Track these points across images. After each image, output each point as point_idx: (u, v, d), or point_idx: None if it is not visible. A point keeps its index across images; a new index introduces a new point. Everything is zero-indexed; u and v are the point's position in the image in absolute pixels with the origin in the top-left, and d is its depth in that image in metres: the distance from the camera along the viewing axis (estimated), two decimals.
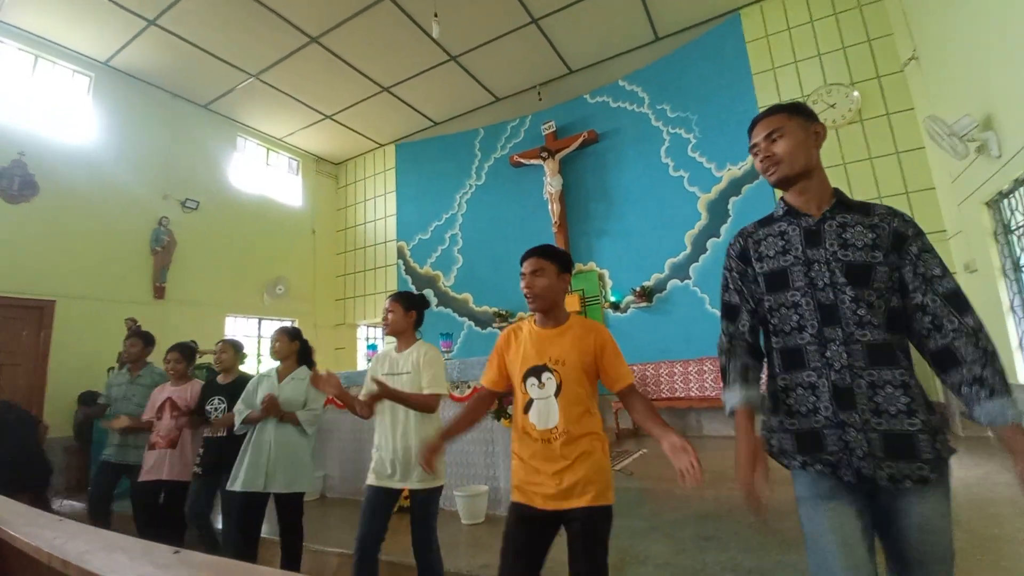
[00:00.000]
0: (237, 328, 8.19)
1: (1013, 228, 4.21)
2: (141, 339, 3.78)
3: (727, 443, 5.70)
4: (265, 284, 8.48)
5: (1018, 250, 4.18)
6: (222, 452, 2.99)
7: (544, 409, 1.65)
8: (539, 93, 8.33)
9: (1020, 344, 4.14)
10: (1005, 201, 4.25)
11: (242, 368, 3.40)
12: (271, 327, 8.70)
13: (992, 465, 3.67)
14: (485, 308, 8.33)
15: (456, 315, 8.58)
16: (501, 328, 8.06)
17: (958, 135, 4.27)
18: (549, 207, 7.70)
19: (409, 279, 9.12)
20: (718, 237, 6.55)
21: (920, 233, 1.20)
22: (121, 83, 7.15)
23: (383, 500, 2.24)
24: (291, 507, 2.74)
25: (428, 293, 8.83)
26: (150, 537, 2.97)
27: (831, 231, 1.22)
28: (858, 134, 5.84)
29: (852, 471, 1.12)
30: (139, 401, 3.57)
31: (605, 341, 1.67)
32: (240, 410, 2.76)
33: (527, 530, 1.61)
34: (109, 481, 3.55)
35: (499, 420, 3.26)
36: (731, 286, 1.39)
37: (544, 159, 7.79)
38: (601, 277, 7.45)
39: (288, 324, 3.04)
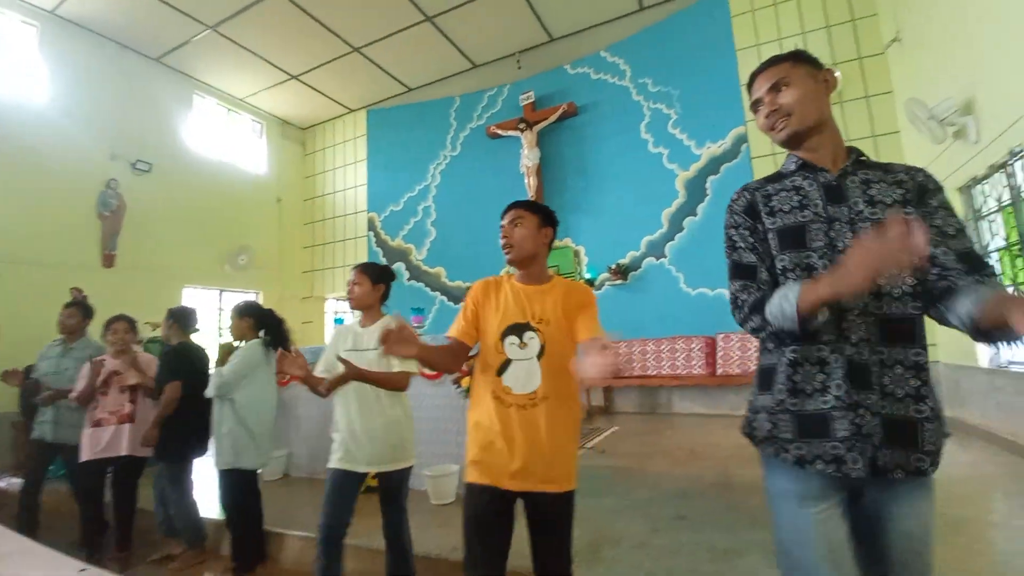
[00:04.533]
0: (196, 299, 7.79)
1: (984, 214, 4.27)
2: (80, 309, 3.50)
3: (697, 420, 5.77)
4: (227, 254, 8.05)
5: (988, 236, 4.24)
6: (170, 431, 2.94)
7: (525, 371, 1.51)
8: (518, 61, 8.03)
9: None
10: (978, 187, 4.29)
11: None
12: (234, 299, 8.33)
13: (952, 444, 3.77)
14: (459, 283, 8.15)
15: (428, 290, 8.38)
16: None
17: (938, 118, 4.26)
18: (525, 181, 7.49)
19: (380, 252, 8.83)
20: (695, 216, 6.50)
21: (941, 188, 1.11)
22: (68, 34, 6.52)
23: (349, 484, 2.10)
24: (228, 485, 2.70)
25: (399, 267, 8.59)
26: (96, 524, 2.86)
27: (855, 187, 1.09)
28: (836, 115, 5.79)
29: (865, 461, 0.97)
30: (72, 375, 3.32)
31: (589, 301, 1.58)
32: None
33: (492, 513, 1.46)
34: (43, 460, 3.33)
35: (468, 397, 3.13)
36: (741, 244, 1.16)
37: (522, 131, 7.54)
38: (577, 253, 7.35)
39: (245, 299, 2.95)
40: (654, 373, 6.38)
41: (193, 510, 2.99)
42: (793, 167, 1.17)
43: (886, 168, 1.13)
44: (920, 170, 1.12)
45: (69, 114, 6.41)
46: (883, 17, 5.62)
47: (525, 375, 1.50)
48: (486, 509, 1.46)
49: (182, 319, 3.21)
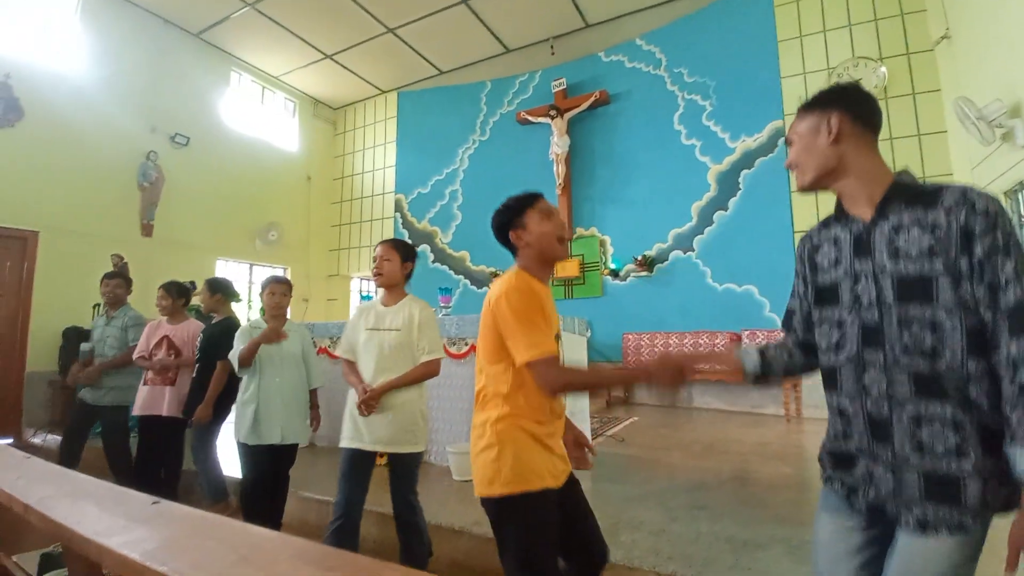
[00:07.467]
0: (228, 272, 8.01)
1: None
2: (125, 281, 3.68)
3: (716, 415, 5.75)
4: (257, 229, 8.24)
5: None
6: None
7: None
8: (552, 47, 7.94)
9: None
10: None
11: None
12: (262, 273, 8.54)
13: None
14: (482, 267, 8.20)
15: (452, 273, 8.45)
16: None
17: (987, 119, 4.11)
18: (554, 168, 7.46)
19: (406, 233, 8.92)
20: (726, 210, 6.41)
21: (992, 227, 0.94)
22: (110, 5, 6.68)
23: (361, 463, 2.16)
24: (291, 458, 2.75)
25: (424, 249, 8.68)
26: (125, 480, 3.03)
27: (881, 237, 1.03)
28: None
29: (867, 503, 1.05)
30: (113, 343, 3.50)
31: None
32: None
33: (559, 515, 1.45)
34: (85, 420, 3.53)
35: None
36: (794, 289, 1.29)
37: (552, 118, 7.50)
38: (602, 243, 7.32)
39: (282, 274, 2.97)
40: None
41: (217, 469, 3.14)
42: (835, 214, 1.17)
43: (928, 202, 1.00)
44: (966, 203, 0.96)
45: (110, 86, 6.57)
46: (932, 13, 5.39)
47: None
48: (555, 509, 1.43)
49: (226, 290, 3.30)
